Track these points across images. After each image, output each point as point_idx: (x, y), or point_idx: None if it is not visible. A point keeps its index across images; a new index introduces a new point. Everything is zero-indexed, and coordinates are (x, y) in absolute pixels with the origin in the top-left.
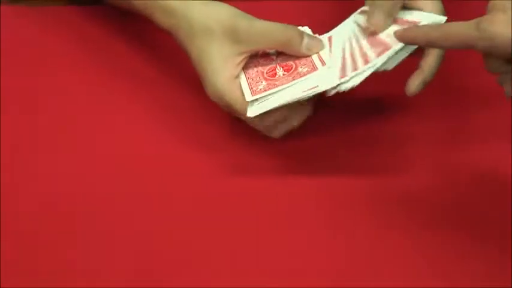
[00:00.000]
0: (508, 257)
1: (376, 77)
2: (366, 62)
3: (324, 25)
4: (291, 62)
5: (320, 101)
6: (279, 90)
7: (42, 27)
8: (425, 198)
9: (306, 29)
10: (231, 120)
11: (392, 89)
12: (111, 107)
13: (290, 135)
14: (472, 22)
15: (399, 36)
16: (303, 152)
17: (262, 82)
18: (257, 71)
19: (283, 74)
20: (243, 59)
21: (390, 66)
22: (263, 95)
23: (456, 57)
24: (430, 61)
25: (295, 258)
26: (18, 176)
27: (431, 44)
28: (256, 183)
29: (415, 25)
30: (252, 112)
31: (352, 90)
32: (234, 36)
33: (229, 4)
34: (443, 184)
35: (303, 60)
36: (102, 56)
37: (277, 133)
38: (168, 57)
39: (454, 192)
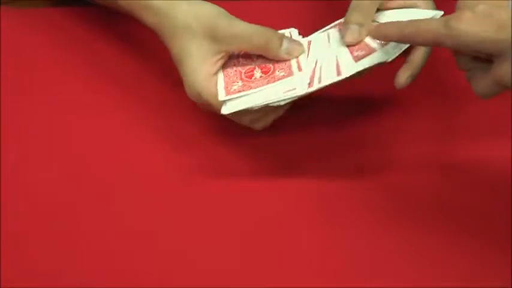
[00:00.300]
0: (508, 257)
1: (367, 75)
2: (338, 73)
3: (315, 25)
4: (270, 65)
5: (309, 99)
6: (253, 93)
7: (37, 28)
8: (424, 198)
9: (293, 31)
10: (214, 119)
11: (386, 87)
12: (105, 107)
13: (276, 132)
14: (442, 19)
15: (374, 33)
16: (290, 150)
17: (238, 82)
18: (236, 70)
19: (260, 76)
20: (221, 57)
21: (390, 58)
22: (236, 96)
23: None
24: (418, 54)
25: (287, 259)
26: (18, 176)
27: (404, 40)
28: (241, 183)
29: (389, 21)
30: (226, 109)
31: (342, 88)
32: (213, 35)
33: (219, 4)
34: (442, 183)
35: (281, 64)
36: (95, 57)
37: (258, 126)
38: (157, 57)
39: (454, 192)
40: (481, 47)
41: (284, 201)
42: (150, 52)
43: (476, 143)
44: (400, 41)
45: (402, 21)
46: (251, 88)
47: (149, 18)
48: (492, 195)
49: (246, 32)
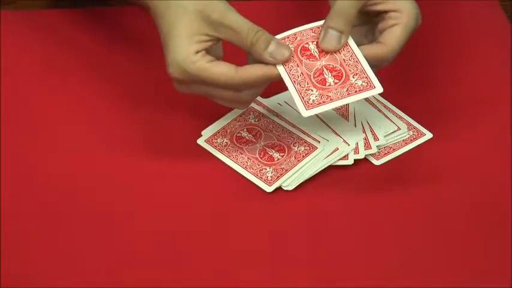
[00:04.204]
0: (508, 257)
1: None
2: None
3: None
4: (339, 66)
5: None
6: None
7: (36, 30)
8: (424, 197)
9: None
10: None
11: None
12: (102, 107)
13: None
14: None
15: None
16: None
17: (312, 90)
18: (302, 73)
19: (335, 83)
20: (208, 40)
21: None
22: (318, 110)
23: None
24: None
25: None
26: (18, 176)
27: None
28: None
29: None
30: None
31: None
32: (205, 18)
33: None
34: (442, 182)
35: (351, 67)
36: (92, 57)
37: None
38: (154, 57)
39: (454, 192)
40: None
41: (272, 203)
42: (145, 52)
43: (476, 143)
44: None
45: None
46: (331, 100)
47: None
48: (492, 195)
49: (236, 26)
